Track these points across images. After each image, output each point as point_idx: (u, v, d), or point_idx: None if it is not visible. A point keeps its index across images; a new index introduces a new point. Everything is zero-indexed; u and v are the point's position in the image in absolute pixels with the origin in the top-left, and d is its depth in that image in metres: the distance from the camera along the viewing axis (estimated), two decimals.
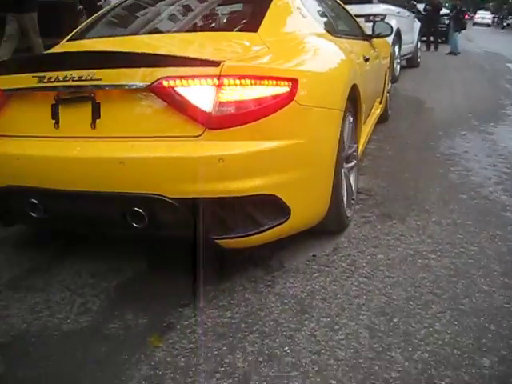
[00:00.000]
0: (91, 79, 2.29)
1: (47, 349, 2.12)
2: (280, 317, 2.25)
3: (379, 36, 4.58)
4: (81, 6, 10.30)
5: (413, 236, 2.99)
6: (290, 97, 2.35)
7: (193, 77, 2.21)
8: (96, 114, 2.36)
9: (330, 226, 2.90)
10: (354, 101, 3.24)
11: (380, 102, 5.17)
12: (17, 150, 2.51)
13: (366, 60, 3.87)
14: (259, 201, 2.34)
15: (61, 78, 2.35)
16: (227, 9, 3.29)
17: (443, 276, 2.55)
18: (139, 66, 2.26)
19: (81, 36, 3.23)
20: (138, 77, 2.25)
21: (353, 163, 3.27)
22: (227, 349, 2.06)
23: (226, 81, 2.22)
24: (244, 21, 2.97)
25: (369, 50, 4.27)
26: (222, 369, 1.95)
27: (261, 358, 2.00)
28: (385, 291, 2.42)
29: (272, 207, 2.40)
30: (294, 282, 2.54)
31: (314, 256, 2.76)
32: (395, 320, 2.20)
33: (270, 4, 2.99)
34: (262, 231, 2.39)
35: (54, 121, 2.44)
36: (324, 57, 2.95)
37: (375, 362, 1.95)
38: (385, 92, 5.30)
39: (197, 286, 2.45)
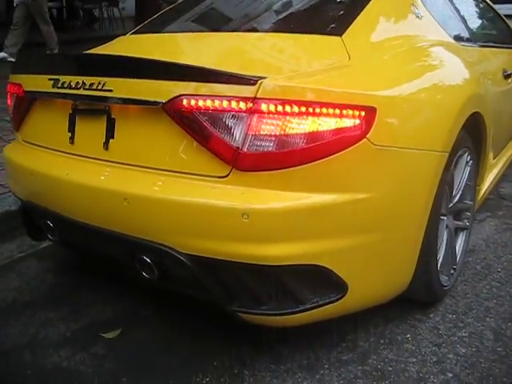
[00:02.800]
0: (102, 89, 1.81)
1: None
2: (406, 305, 2.21)
3: None
4: None
5: None
6: (360, 133, 1.66)
7: (219, 97, 1.61)
8: (110, 132, 1.87)
9: (416, 296, 2.18)
10: (476, 134, 2.42)
11: None
12: (32, 163, 2.14)
13: (508, 76, 2.95)
14: (300, 272, 1.70)
15: (73, 85, 1.90)
16: (322, 0, 2.56)
17: None
18: (155, 78, 1.71)
19: (146, 29, 2.75)
20: (152, 92, 1.71)
21: (465, 218, 2.46)
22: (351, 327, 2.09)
23: (263, 106, 1.59)
24: (332, 18, 2.26)
25: None
26: (344, 344, 2.02)
27: (382, 341, 2.05)
28: None
29: (319, 281, 1.74)
30: None
31: None
32: None
33: None
34: (304, 310, 1.75)
35: (69, 134, 2.02)
36: (432, 75, 2.13)
37: (496, 365, 1.92)
38: None
39: None
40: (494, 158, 2.96)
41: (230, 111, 1.61)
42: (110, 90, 1.78)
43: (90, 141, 1.95)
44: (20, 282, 2.52)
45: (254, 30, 2.33)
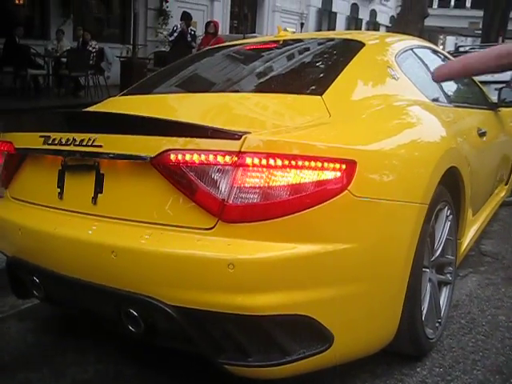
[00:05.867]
0: (92, 145, 1.87)
1: None
2: (393, 360, 2.23)
3: (507, 105, 3.74)
4: None
5: None
6: (341, 185, 1.72)
7: (205, 152, 1.68)
8: (98, 187, 1.92)
9: (402, 349, 2.19)
10: (454, 188, 2.50)
11: (506, 183, 4.26)
12: (20, 219, 2.16)
13: (482, 134, 3.08)
14: (286, 322, 1.71)
15: (63, 141, 1.96)
16: (304, 63, 2.67)
17: None
18: (143, 134, 1.78)
19: (134, 91, 2.86)
20: (140, 147, 1.78)
21: (447, 273, 2.51)
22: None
23: (248, 160, 1.66)
24: (313, 80, 2.38)
25: (489, 122, 3.47)
26: None
27: None
28: (503, 351, 2.35)
29: (305, 331, 1.76)
30: None
31: None
32: None
33: (350, 60, 2.39)
34: (290, 361, 1.75)
35: (58, 190, 2.06)
36: (409, 131, 2.24)
37: None
38: None
39: None
40: (473, 215, 3.04)
41: (215, 165, 1.68)
42: (100, 146, 1.85)
43: (78, 196, 1.99)
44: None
45: (239, 90, 2.44)
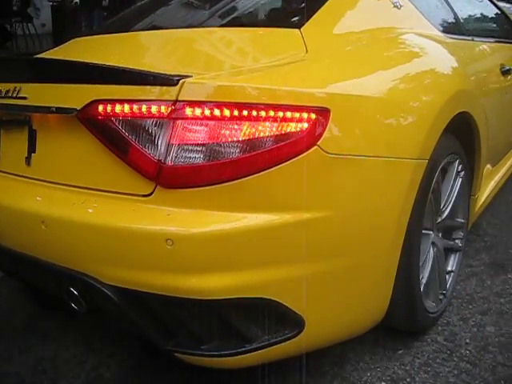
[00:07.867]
0: (17, 97, 1.58)
1: None
2: None
3: None
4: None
5: None
6: (309, 140, 1.39)
7: (138, 101, 1.37)
8: (32, 145, 1.65)
9: (396, 324, 1.90)
10: (467, 138, 2.13)
11: None
12: None
13: (506, 72, 2.64)
14: (243, 306, 1.43)
15: None
16: None
17: None
18: (69, 82, 1.47)
19: (102, 30, 2.52)
20: (66, 98, 1.47)
21: (456, 238, 2.18)
22: None
23: (188, 110, 1.33)
24: (293, 10, 1.99)
25: None
26: None
27: None
28: None
29: (269, 316, 1.47)
30: (371, 362, 1.85)
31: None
32: None
33: None
34: (251, 350, 1.47)
35: None
36: (405, 70, 1.82)
37: None
38: None
39: None
40: (492, 166, 2.65)
41: (149, 117, 1.36)
42: (25, 98, 1.56)
43: (13, 156, 1.72)
44: None
45: (204, 25, 2.07)
